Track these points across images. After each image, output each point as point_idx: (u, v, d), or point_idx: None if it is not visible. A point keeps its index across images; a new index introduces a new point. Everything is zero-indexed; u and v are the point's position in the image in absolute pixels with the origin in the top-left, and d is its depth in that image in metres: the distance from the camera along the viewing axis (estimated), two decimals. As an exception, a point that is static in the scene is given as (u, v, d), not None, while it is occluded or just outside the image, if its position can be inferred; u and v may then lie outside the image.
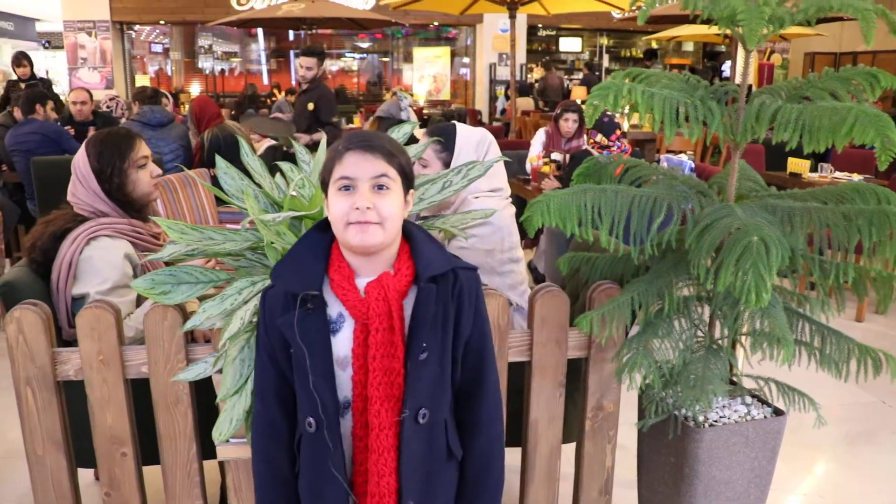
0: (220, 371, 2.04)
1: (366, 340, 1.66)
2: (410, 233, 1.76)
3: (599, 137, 5.55)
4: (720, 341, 2.48)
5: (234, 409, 1.95)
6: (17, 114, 6.74)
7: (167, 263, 2.59)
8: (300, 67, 6.84)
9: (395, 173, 1.68)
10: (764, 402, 2.56)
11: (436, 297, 1.68)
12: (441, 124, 2.90)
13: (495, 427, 1.84)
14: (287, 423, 1.79)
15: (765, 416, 2.47)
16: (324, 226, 1.75)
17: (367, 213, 1.62)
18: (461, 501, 1.83)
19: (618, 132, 5.58)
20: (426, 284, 1.68)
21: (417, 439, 1.70)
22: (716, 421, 2.43)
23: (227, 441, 2.12)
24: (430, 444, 1.73)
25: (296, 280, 1.69)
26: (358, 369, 1.68)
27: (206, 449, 2.37)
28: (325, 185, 1.71)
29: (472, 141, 2.84)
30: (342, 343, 1.70)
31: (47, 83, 8.51)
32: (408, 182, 1.73)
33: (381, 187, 1.65)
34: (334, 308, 1.71)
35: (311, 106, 6.64)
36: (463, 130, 2.85)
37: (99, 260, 2.59)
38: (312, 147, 6.21)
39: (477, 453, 1.81)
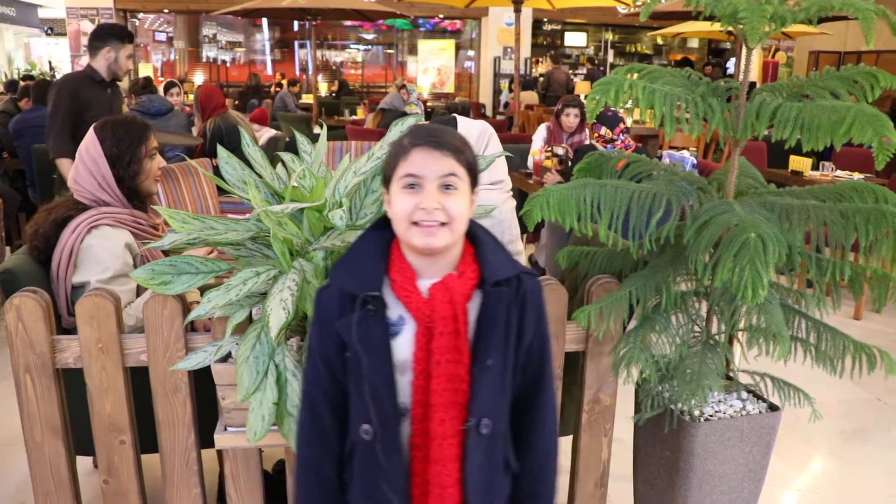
0: (220, 360, 2.06)
1: (429, 345, 1.57)
2: (475, 234, 1.67)
3: (604, 131, 5.51)
4: (717, 336, 2.49)
5: (262, 407, 1.93)
6: (23, 104, 6.79)
7: (167, 253, 2.59)
8: (128, 58, 5.05)
9: (464, 171, 1.58)
10: (759, 397, 2.57)
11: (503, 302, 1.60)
12: (442, 117, 2.90)
13: (551, 439, 1.74)
14: (337, 432, 1.69)
15: (760, 412, 2.49)
16: (381, 224, 1.66)
17: (435, 213, 1.53)
18: None
19: (622, 125, 5.55)
20: (494, 288, 1.59)
21: (479, 450, 1.61)
22: (711, 415, 2.44)
23: (226, 429, 2.14)
24: (490, 457, 1.64)
25: (355, 281, 1.61)
26: (419, 374, 1.59)
27: (205, 437, 2.38)
28: (387, 181, 1.62)
29: (473, 134, 2.85)
30: (402, 347, 1.60)
31: None
32: (474, 179, 1.63)
33: (448, 186, 1.55)
34: (394, 310, 1.61)
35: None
36: (463, 123, 2.86)
37: (100, 249, 2.60)
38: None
39: (532, 465, 1.72)
